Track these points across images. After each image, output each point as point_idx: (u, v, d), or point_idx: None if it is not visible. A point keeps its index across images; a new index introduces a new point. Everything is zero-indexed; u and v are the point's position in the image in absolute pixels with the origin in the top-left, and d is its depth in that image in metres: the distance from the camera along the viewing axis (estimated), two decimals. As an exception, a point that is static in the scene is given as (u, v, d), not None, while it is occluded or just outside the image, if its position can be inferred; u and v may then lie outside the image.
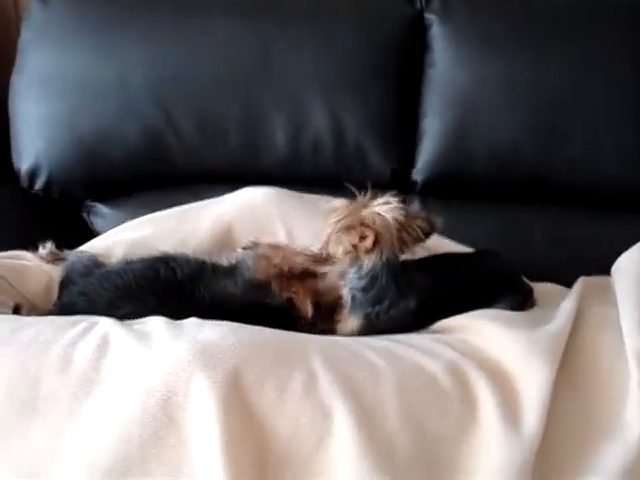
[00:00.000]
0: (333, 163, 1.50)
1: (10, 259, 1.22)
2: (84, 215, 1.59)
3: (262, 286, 1.10)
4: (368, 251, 1.06)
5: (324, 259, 1.16)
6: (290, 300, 1.09)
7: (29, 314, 1.12)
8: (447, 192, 1.51)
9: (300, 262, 1.16)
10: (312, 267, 1.14)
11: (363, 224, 1.05)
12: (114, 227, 1.49)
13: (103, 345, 0.94)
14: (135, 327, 1.00)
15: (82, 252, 1.22)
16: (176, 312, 1.05)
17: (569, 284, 1.32)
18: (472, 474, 0.89)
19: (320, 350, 0.96)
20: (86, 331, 0.98)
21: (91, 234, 1.53)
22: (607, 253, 1.30)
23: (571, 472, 0.92)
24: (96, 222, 1.58)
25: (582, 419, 0.97)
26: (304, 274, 1.12)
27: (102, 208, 1.57)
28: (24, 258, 1.24)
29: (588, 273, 1.32)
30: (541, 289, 1.29)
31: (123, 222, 1.48)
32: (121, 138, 1.50)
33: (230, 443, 0.85)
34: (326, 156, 1.49)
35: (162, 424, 0.87)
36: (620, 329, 1.05)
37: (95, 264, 1.16)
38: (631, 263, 1.23)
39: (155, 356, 0.92)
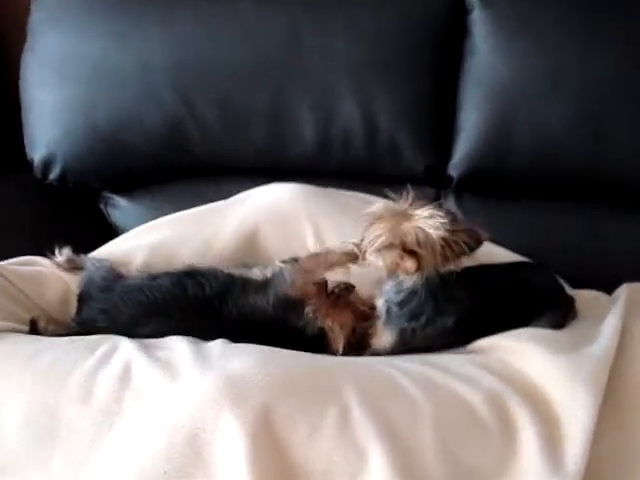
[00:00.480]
0: (364, 156, 1.41)
1: (25, 265, 1.16)
2: (101, 206, 1.52)
3: (295, 305, 1.05)
4: (410, 273, 0.99)
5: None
6: (322, 330, 1.03)
7: (46, 328, 1.07)
8: (484, 189, 1.42)
9: (340, 262, 1.09)
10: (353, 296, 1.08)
11: (405, 248, 0.97)
12: (131, 220, 1.46)
13: (125, 376, 0.92)
14: (158, 354, 0.95)
15: (100, 261, 1.15)
16: (203, 330, 1.02)
17: (614, 287, 1.27)
18: None
19: (354, 382, 0.92)
20: (106, 358, 0.95)
21: (108, 226, 1.48)
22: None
23: None
24: (113, 214, 1.51)
25: (625, 454, 0.93)
26: (344, 304, 1.06)
27: (120, 200, 1.50)
28: (39, 264, 1.18)
29: (636, 277, 1.26)
30: (584, 298, 1.23)
31: (141, 215, 1.45)
32: (140, 127, 1.41)
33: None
34: (357, 148, 1.40)
35: (188, 460, 0.85)
36: None
37: (114, 276, 1.10)
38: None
39: (181, 391, 0.88)
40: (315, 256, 1.12)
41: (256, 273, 1.10)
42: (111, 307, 1.06)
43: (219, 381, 0.87)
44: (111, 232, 1.46)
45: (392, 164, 1.41)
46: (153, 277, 1.09)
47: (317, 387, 0.90)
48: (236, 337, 1.01)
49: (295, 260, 1.12)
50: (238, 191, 1.36)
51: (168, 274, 1.09)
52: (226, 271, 1.10)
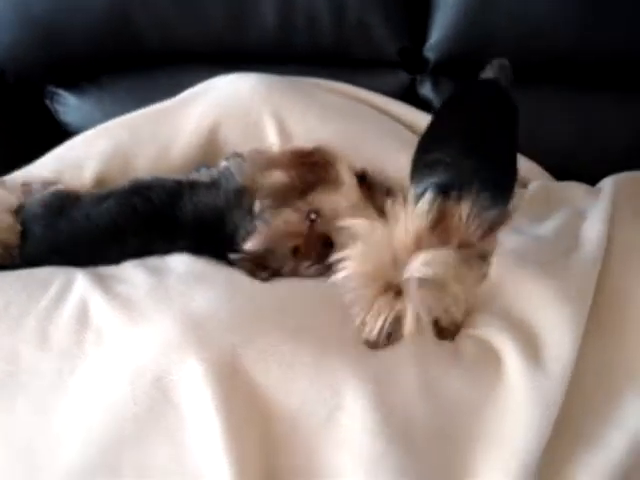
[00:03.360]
0: (331, 38, 1.28)
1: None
2: (47, 102, 1.39)
3: (247, 193, 0.99)
4: None
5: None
6: None
7: None
8: (463, 72, 1.28)
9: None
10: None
11: None
12: (81, 117, 1.38)
13: (83, 316, 0.87)
14: (116, 289, 0.90)
15: (45, 185, 1.07)
16: (164, 244, 0.98)
17: (597, 179, 1.21)
18: (495, 440, 0.82)
19: (329, 310, 0.86)
20: (61, 297, 0.89)
21: (56, 124, 1.37)
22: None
23: (594, 424, 0.86)
24: (62, 111, 1.38)
25: (608, 369, 0.89)
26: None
27: (67, 96, 1.37)
28: None
29: (619, 166, 1.19)
30: (565, 190, 1.17)
31: (91, 112, 1.37)
32: (79, 11, 1.26)
33: (230, 425, 0.79)
34: (322, 30, 1.27)
35: (156, 401, 0.81)
36: None
37: (59, 206, 1.02)
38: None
39: (144, 335, 0.84)
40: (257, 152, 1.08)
41: (204, 175, 1.05)
42: (62, 245, 1.00)
43: (182, 323, 0.82)
44: (60, 131, 1.36)
45: (362, 47, 1.29)
46: (99, 200, 1.02)
47: (288, 324, 0.85)
48: (199, 241, 0.98)
49: (238, 155, 1.08)
50: (196, 81, 1.25)
51: (114, 194, 1.02)
52: (172, 177, 1.05)
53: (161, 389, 0.81)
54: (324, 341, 0.84)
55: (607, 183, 1.17)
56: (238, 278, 0.92)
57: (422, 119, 1.24)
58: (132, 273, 0.93)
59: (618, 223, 1.03)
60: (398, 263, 0.76)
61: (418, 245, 0.76)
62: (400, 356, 0.84)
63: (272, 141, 1.17)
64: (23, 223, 1.02)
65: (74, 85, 1.37)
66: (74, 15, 1.27)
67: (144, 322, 0.84)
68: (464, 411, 0.83)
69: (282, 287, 0.91)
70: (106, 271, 0.94)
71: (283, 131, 1.17)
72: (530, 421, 0.81)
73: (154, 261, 0.96)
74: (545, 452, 0.81)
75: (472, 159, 0.90)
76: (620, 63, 1.26)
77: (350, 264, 0.79)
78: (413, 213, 0.78)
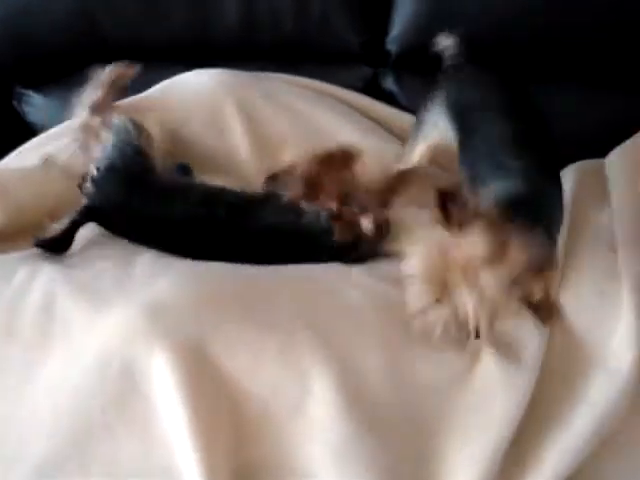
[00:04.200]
0: (294, 34, 1.30)
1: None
2: (15, 103, 1.39)
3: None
4: None
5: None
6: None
7: None
8: (426, 66, 1.27)
9: None
10: None
11: None
12: (48, 117, 1.36)
13: (48, 309, 0.87)
14: (82, 278, 0.91)
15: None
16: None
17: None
18: (465, 425, 0.82)
19: (296, 300, 0.88)
20: (25, 289, 0.89)
21: (24, 125, 1.37)
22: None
23: (561, 402, 0.86)
24: (29, 111, 1.39)
25: (569, 350, 0.90)
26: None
27: (34, 96, 1.38)
28: None
29: (583, 155, 1.21)
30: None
31: (59, 113, 1.32)
32: (44, 13, 1.28)
33: (198, 413, 0.79)
34: (286, 25, 1.29)
35: (124, 390, 0.82)
36: (612, 244, 0.97)
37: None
38: (625, 159, 1.13)
39: (109, 325, 0.84)
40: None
41: None
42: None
43: (148, 312, 0.83)
44: (28, 131, 1.35)
45: (324, 41, 1.31)
46: (182, 193, 1.01)
47: (254, 311, 0.86)
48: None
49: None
50: (161, 79, 1.25)
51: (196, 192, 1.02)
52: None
53: (129, 378, 0.81)
54: (290, 327, 0.84)
55: (568, 171, 1.20)
56: (204, 266, 0.93)
57: (386, 112, 1.27)
58: (98, 264, 0.93)
59: (581, 206, 1.05)
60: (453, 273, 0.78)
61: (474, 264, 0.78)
62: (366, 341, 0.85)
63: (238, 133, 1.17)
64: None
65: (41, 86, 1.37)
66: (39, 16, 1.28)
67: (110, 312, 0.85)
68: (432, 396, 0.84)
69: (248, 274, 0.92)
70: (72, 262, 0.95)
71: (247, 120, 1.17)
72: (505, 412, 0.82)
73: (122, 252, 0.97)
74: (515, 434, 0.81)
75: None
76: (585, 54, 1.28)
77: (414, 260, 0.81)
78: (476, 237, 0.79)
